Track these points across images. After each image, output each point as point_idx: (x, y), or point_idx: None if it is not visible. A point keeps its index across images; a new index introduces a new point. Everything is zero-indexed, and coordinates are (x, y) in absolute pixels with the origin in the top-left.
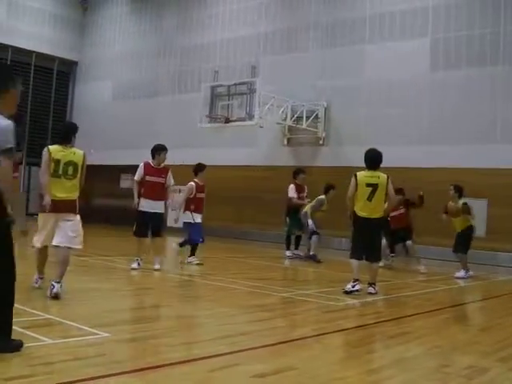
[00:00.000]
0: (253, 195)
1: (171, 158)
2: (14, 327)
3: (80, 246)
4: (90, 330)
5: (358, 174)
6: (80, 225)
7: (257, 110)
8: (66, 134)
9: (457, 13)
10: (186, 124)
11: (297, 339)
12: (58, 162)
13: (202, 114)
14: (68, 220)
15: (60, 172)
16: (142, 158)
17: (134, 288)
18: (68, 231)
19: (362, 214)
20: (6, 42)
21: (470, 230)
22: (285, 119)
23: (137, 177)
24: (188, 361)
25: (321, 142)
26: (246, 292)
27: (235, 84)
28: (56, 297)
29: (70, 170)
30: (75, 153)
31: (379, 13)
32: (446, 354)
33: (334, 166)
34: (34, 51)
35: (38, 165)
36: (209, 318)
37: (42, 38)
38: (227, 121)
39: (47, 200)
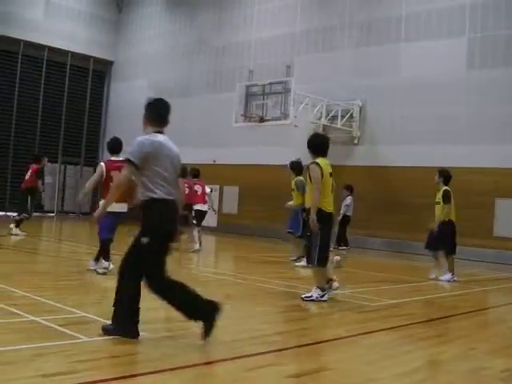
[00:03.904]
0: (287, 194)
1: (205, 157)
2: (51, 324)
3: None
4: None
5: (319, 161)
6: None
7: (291, 110)
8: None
9: (494, 11)
10: (220, 123)
11: (331, 340)
12: None
13: (236, 114)
14: None
15: None
16: None
17: None
18: None
19: (330, 209)
20: (43, 42)
21: (448, 226)
22: (319, 118)
23: None
24: (223, 360)
25: (355, 142)
26: (280, 291)
27: (270, 83)
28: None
29: None
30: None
31: (416, 11)
32: (482, 356)
33: (368, 165)
34: (69, 51)
35: (73, 163)
36: (243, 317)
37: (77, 38)
38: (262, 120)
39: None
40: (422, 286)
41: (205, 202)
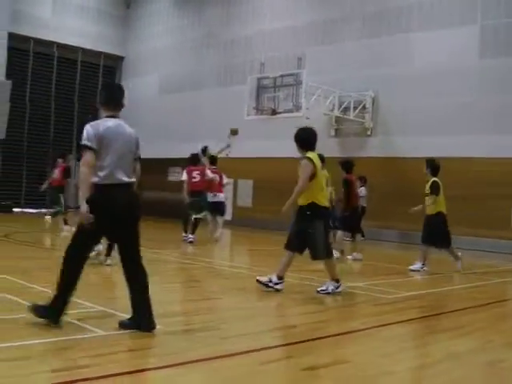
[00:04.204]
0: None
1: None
2: (68, 319)
3: None
4: None
5: (310, 155)
6: None
7: (303, 102)
8: None
9: None
10: (232, 116)
11: (347, 332)
12: None
13: (248, 107)
14: None
15: None
16: (189, 150)
17: (182, 280)
18: None
19: (325, 204)
20: (52, 39)
21: (438, 217)
22: (332, 110)
23: None
24: (238, 353)
25: (368, 133)
26: (295, 284)
27: (281, 75)
28: None
29: None
30: None
31: (428, 0)
32: (499, 348)
33: (382, 156)
34: (79, 47)
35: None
36: (259, 311)
37: (87, 34)
38: (274, 113)
39: None
40: (439, 278)
41: (219, 191)
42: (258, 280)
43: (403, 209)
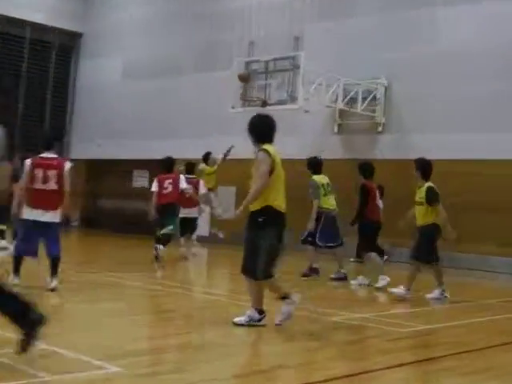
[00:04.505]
0: (296, 194)
1: (196, 150)
2: (1, 359)
3: None
4: (97, 363)
5: (267, 148)
6: None
7: (301, 91)
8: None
9: None
10: (214, 108)
11: (352, 375)
12: None
13: (234, 97)
14: None
15: None
16: (159, 149)
17: (151, 311)
18: None
19: (283, 208)
20: None
21: (432, 229)
22: (335, 101)
23: None
24: None
25: (379, 129)
26: None
27: (274, 59)
28: None
29: None
30: None
31: None
32: None
33: (395, 158)
34: (28, 21)
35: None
36: (239, 348)
37: (37, 6)
38: (264, 104)
39: None
40: (463, 308)
41: (193, 206)
42: (235, 323)
43: None
